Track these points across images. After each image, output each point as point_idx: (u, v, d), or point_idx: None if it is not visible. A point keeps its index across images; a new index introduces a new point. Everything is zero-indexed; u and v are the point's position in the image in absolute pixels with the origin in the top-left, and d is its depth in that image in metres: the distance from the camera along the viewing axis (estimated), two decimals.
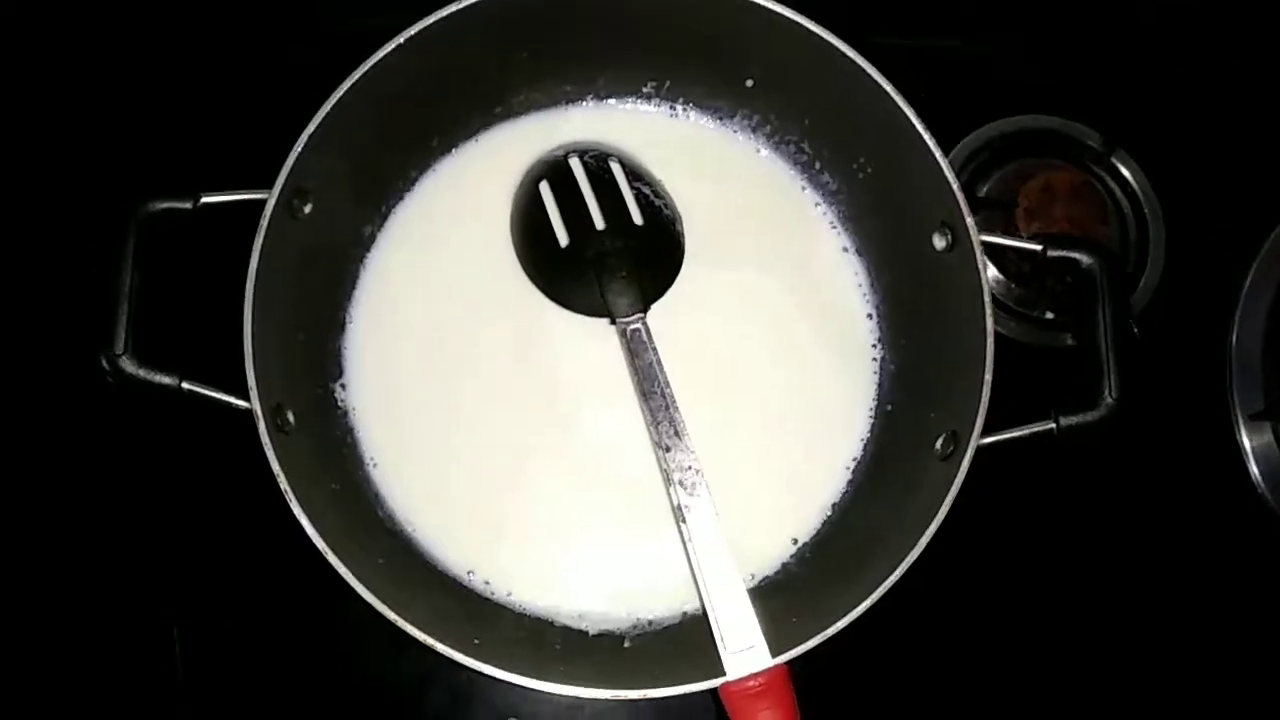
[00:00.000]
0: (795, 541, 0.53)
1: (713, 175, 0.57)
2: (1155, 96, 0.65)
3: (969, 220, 0.49)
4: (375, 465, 0.52)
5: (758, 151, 0.58)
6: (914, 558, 0.44)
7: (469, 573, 0.51)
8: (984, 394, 0.47)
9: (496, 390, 0.53)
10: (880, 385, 0.55)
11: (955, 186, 0.49)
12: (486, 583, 0.51)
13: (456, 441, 0.53)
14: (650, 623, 0.51)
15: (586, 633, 0.50)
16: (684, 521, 0.47)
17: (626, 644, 0.50)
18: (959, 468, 0.46)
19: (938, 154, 0.50)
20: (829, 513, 0.53)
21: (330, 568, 0.46)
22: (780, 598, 0.50)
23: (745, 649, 0.43)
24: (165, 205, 0.46)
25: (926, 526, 0.45)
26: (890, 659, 0.53)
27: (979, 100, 0.65)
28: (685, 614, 0.51)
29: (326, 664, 0.56)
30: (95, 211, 0.48)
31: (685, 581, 0.50)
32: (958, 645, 0.57)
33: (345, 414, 0.53)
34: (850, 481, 0.54)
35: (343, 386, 0.53)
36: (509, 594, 0.51)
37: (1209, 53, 0.66)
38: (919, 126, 0.50)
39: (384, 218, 0.56)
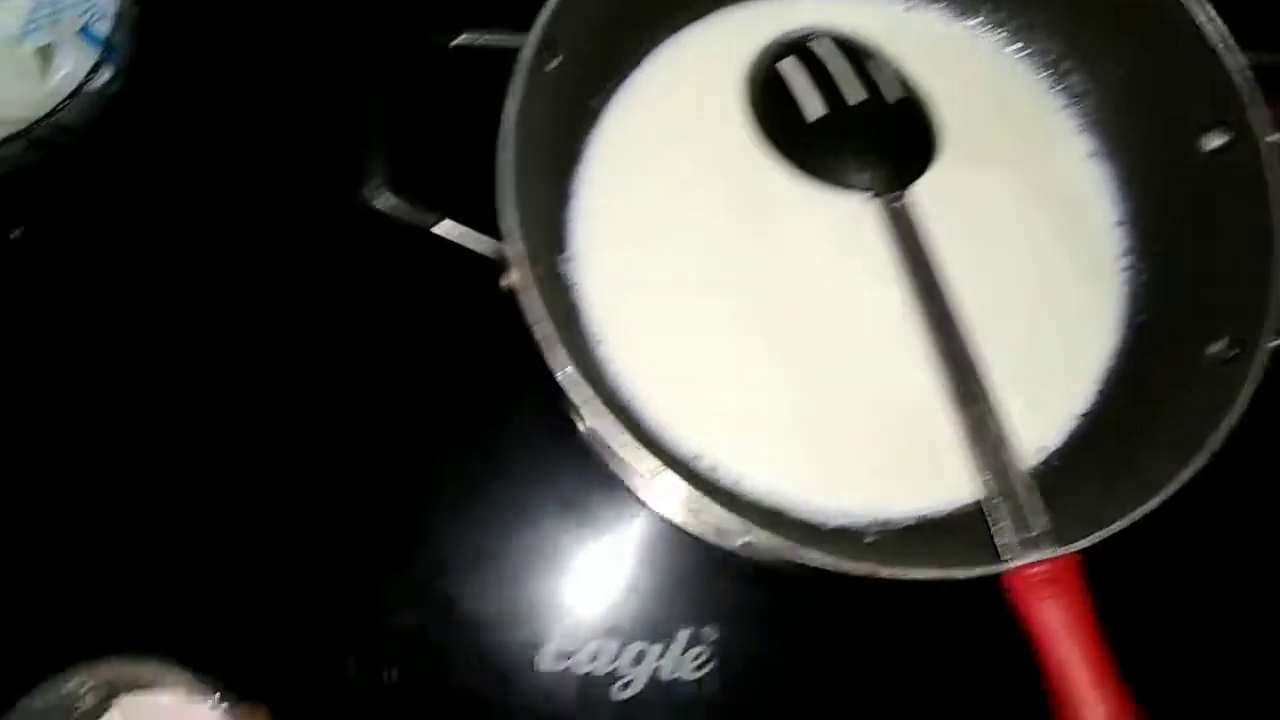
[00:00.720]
0: (1044, 450, 0.49)
1: (950, 72, 0.54)
2: None
3: (1258, 112, 0.46)
4: (601, 343, 0.50)
5: (1000, 49, 0.55)
6: (1210, 454, 0.41)
7: (697, 457, 0.48)
8: (1276, 292, 0.44)
9: (725, 270, 0.50)
10: (1133, 295, 0.52)
11: (1244, 77, 0.46)
12: (714, 469, 0.48)
13: (682, 321, 0.50)
14: (887, 521, 0.48)
15: (823, 527, 0.47)
16: (963, 404, 0.44)
17: (867, 539, 0.47)
18: (1248, 370, 0.43)
19: (1221, 45, 0.47)
20: (1078, 422, 0.50)
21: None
22: None
23: (1030, 534, 0.40)
24: (425, 42, 0.45)
25: (1213, 427, 0.42)
26: (1159, 559, 0.50)
27: None
28: (923, 517, 0.48)
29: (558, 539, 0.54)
30: (355, 45, 0.46)
31: (923, 481, 0.48)
32: (1226, 549, 0.54)
33: (569, 289, 0.50)
34: (1101, 392, 0.50)
35: (567, 260, 0.51)
36: (737, 481, 0.48)
37: None
38: (1201, 16, 0.47)
39: (609, 94, 0.53)
